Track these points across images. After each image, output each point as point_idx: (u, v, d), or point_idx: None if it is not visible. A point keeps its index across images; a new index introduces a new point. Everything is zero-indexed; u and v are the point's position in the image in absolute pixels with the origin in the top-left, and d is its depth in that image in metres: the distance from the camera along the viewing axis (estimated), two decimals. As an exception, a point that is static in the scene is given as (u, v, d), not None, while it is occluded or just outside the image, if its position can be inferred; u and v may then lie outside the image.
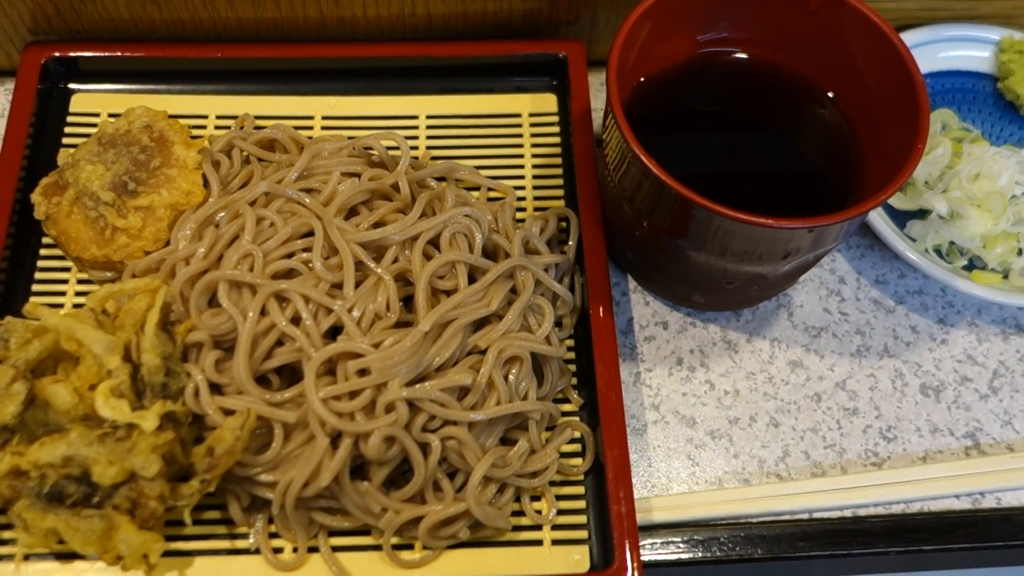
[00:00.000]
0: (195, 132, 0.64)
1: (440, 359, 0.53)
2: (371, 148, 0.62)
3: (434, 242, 0.57)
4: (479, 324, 0.55)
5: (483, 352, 0.54)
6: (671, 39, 0.58)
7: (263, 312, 0.53)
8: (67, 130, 0.66)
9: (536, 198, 0.65)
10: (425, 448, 0.52)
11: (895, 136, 0.53)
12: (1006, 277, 0.62)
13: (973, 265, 0.63)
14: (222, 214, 0.57)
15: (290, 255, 0.55)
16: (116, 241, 0.58)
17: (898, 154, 0.51)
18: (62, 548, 0.52)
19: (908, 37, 0.68)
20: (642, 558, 0.54)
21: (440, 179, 0.63)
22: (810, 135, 0.59)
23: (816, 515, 0.57)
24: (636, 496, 0.56)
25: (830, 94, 0.58)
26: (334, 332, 0.54)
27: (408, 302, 0.56)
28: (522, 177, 0.66)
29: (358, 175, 0.60)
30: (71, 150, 0.63)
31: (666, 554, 0.56)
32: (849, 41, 0.55)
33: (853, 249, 0.66)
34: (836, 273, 0.65)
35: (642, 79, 0.58)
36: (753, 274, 0.55)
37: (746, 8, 0.57)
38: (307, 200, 0.57)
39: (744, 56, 0.59)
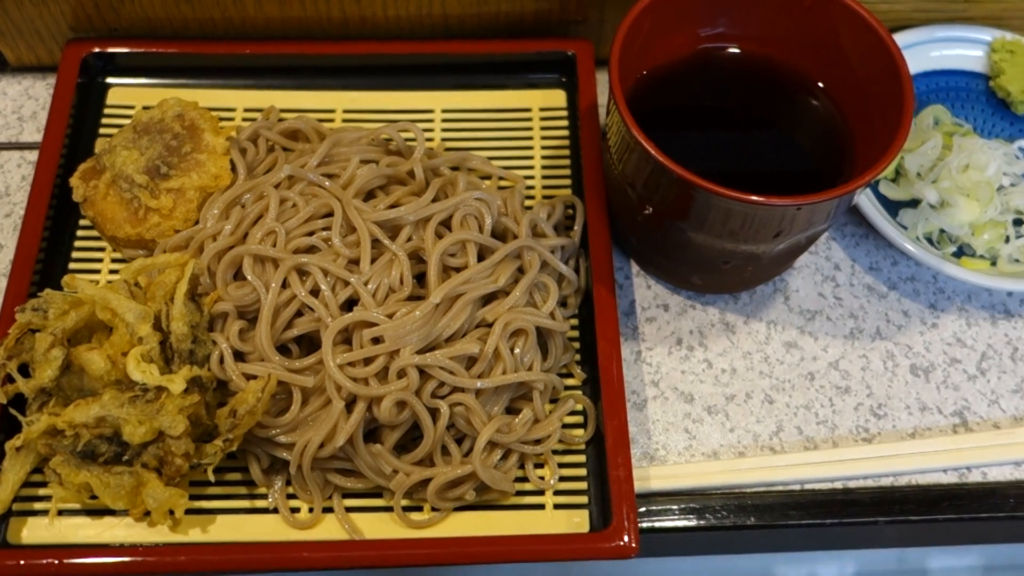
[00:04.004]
0: (224, 124, 0.68)
1: (450, 330, 0.56)
2: (390, 139, 0.66)
3: (446, 223, 0.60)
4: (487, 299, 0.59)
5: (490, 325, 0.58)
6: (673, 34, 0.61)
7: (285, 284, 0.57)
8: (104, 121, 0.70)
9: (544, 187, 0.68)
10: (434, 413, 0.56)
11: (882, 123, 0.56)
12: (994, 264, 0.65)
13: (962, 252, 0.66)
14: (248, 196, 0.61)
15: (311, 233, 0.59)
16: (149, 220, 0.62)
17: (884, 140, 0.54)
18: (93, 504, 0.56)
19: (903, 37, 0.71)
20: (640, 524, 0.57)
21: (454, 168, 0.67)
22: (803, 124, 0.62)
23: (808, 486, 0.60)
24: (635, 466, 0.59)
25: (820, 84, 0.61)
26: (351, 305, 0.57)
27: (421, 279, 0.59)
28: (531, 168, 0.69)
29: (376, 162, 0.63)
30: (108, 138, 0.67)
31: (662, 521, 0.58)
32: (839, 35, 0.59)
33: (848, 238, 0.69)
34: (831, 260, 0.68)
35: (645, 72, 0.62)
36: (748, 253, 0.58)
37: (744, 5, 0.61)
38: (327, 183, 0.61)
39: (742, 50, 0.62)
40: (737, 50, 0.62)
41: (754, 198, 0.51)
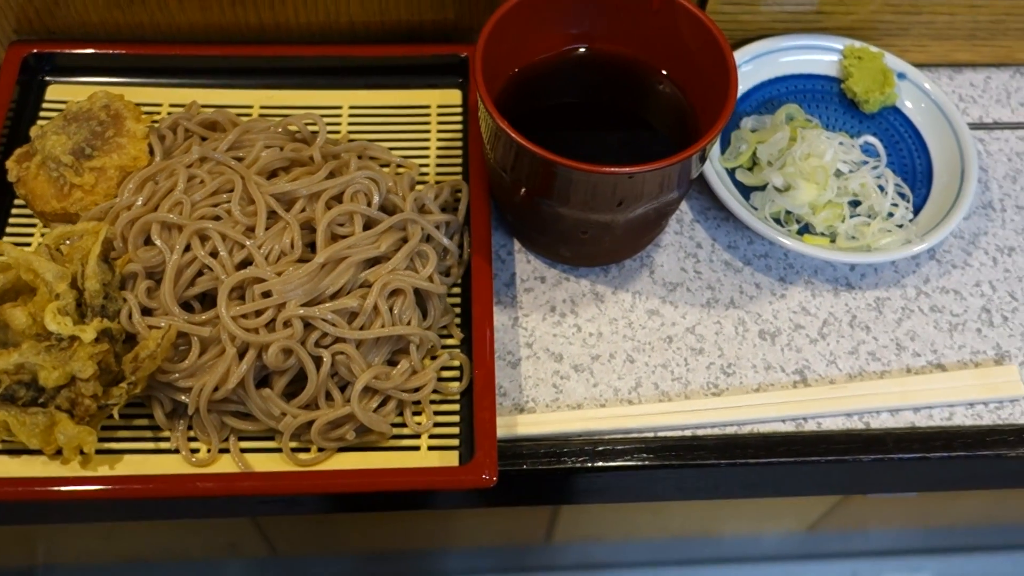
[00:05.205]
0: (146, 116, 0.76)
1: (333, 288, 0.63)
2: (297, 129, 0.73)
3: (338, 198, 0.67)
4: (371, 264, 0.66)
5: (371, 285, 0.65)
6: (540, 36, 0.69)
7: (187, 248, 0.64)
8: (42, 115, 0.77)
9: (438, 174, 0.76)
10: (317, 360, 0.62)
11: (716, 104, 0.63)
12: (833, 240, 0.72)
13: (806, 230, 0.73)
14: (161, 173, 0.68)
15: (215, 205, 0.66)
16: (72, 196, 0.69)
17: (717, 119, 0.62)
18: (11, 444, 0.62)
19: (765, 44, 0.80)
20: (506, 467, 0.64)
21: (358, 158, 0.74)
22: (656, 108, 0.70)
23: (660, 433, 0.67)
24: (506, 416, 0.66)
25: (664, 72, 0.69)
26: (246, 266, 0.64)
27: (314, 248, 0.66)
28: (427, 158, 0.77)
29: (281, 147, 0.71)
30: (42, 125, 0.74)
31: (528, 464, 0.65)
32: (681, 31, 0.67)
33: (711, 220, 0.76)
34: (694, 239, 0.75)
35: (516, 70, 0.70)
36: (600, 223, 0.65)
37: (602, 9, 0.69)
38: (233, 162, 0.68)
39: (601, 48, 0.71)
40: (597, 47, 0.71)
41: (584, 167, 0.59)
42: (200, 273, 0.64)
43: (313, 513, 0.72)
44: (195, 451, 0.64)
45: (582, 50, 0.71)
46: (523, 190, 0.66)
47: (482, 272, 0.68)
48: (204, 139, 0.74)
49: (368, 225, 0.67)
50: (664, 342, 0.71)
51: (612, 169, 0.59)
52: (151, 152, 0.71)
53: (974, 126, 0.83)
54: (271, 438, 0.64)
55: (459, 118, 0.79)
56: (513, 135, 0.60)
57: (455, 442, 0.65)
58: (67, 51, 0.78)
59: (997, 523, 1.42)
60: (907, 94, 0.79)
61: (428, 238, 0.69)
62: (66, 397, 0.61)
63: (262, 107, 0.79)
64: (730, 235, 0.76)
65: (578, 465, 0.65)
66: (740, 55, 0.79)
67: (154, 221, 0.65)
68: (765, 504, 1.19)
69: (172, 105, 0.78)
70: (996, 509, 1.34)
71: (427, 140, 0.78)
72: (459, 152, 0.77)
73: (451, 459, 0.64)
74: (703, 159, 0.64)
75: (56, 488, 0.60)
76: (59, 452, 0.62)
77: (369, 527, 1.18)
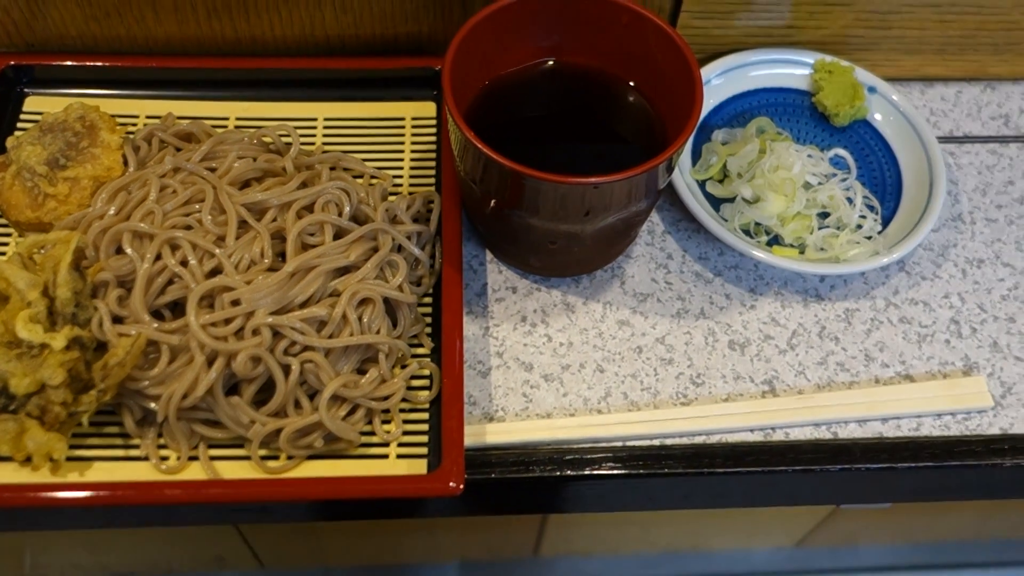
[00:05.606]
0: (121, 127, 0.76)
1: (303, 297, 0.64)
2: (271, 141, 0.74)
3: (309, 208, 0.68)
4: (341, 273, 0.66)
5: (341, 294, 0.65)
6: (511, 48, 0.70)
7: (158, 257, 0.64)
8: (19, 125, 0.78)
9: (411, 186, 0.77)
10: (286, 369, 0.63)
11: (683, 116, 0.64)
12: (802, 252, 0.73)
13: (775, 241, 0.74)
14: (134, 184, 0.69)
15: (187, 215, 0.67)
16: (46, 205, 0.69)
17: (684, 130, 0.63)
18: (-19, 452, 0.63)
19: (737, 58, 0.81)
20: (474, 476, 0.64)
21: (332, 169, 0.75)
22: (625, 119, 0.71)
23: (629, 443, 0.67)
24: (475, 425, 0.67)
25: (632, 84, 0.70)
26: (216, 274, 0.64)
27: (284, 258, 0.67)
28: (401, 169, 0.77)
29: (254, 158, 0.71)
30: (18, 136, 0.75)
31: (494, 472, 0.65)
32: (650, 44, 0.67)
33: (682, 232, 0.77)
34: (665, 251, 0.76)
35: (487, 82, 0.71)
36: (567, 232, 0.66)
37: (573, 24, 0.70)
38: (205, 172, 0.69)
39: (571, 60, 0.71)
40: (567, 60, 0.71)
41: (552, 178, 0.59)
42: (171, 282, 0.65)
43: (284, 521, 0.73)
44: (165, 458, 0.64)
45: (551, 63, 0.72)
46: (493, 201, 0.67)
47: (453, 282, 0.69)
48: (179, 150, 0.74)
49: (338, 235, 0.67)
50: (634, 352, 0.71)
51: (577, 180, 0.59)
52: (125, 163, 0.72)
53: (945, 139, 0.84)
54: (241, 446, 0.65)
55: (433, 130, 0.80)
56: (480, 146, 0.61)
57: (424, 450, 0.65)
58: (45, 63, 0.79)
59: (985, 539, 1.42)
60: (877, 107, 0.80)
61: (399, 248, 0.69)
62: (36, 404, 0.62)
63: (238, 119, 0.79)
64: (701, 246, 0.76)
65: (546, 474, 0.66)
66: (712, 69, 0.80)
67: (125, 230, 0.65)
68: (753, 518, 1.19)
69: (149, 116, 0.79)
70: (984, 525, 1.35)
71: (401, 152, 0.79)
72: (433, 164, 0.78)
73: (419, 467, 0.64)
74: (670, 170, 0.65)
75: (25, 494, 0.60)
76: (29, 459, 0.62)
77: (356, 540, 1.18)
